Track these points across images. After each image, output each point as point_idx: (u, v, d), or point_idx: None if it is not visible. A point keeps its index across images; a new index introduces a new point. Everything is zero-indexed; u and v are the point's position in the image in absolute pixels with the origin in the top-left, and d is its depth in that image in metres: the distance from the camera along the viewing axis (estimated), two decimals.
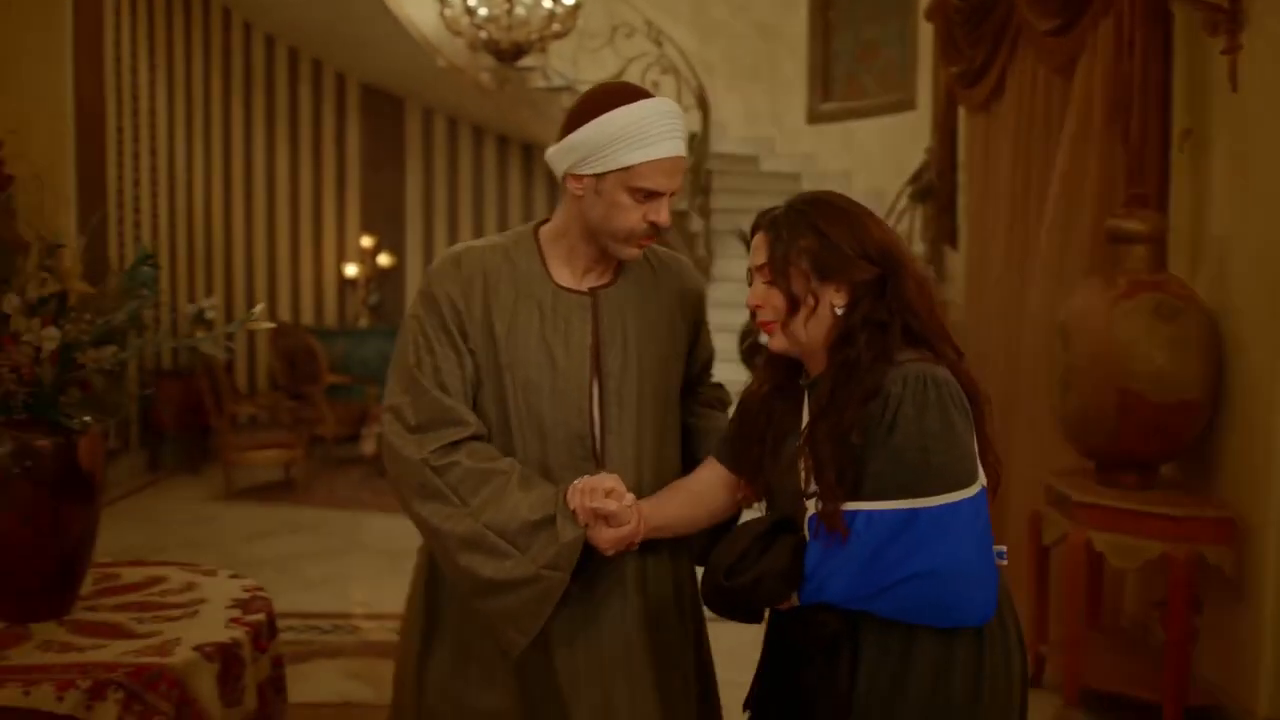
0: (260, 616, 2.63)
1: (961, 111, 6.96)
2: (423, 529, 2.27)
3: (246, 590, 2.86)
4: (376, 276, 10.84)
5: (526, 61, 8.74)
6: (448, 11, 8.42)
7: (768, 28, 10.10)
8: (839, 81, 9.79)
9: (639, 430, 2.33)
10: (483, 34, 8.39)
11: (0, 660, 2.39)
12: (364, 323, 10.74)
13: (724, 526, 2.33)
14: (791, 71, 9.93)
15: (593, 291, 2.33)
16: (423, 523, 2.25)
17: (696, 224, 8.48)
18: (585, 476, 2.22)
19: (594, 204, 2.25)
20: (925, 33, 7.87)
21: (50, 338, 2.53)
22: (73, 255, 2.61)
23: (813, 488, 2.03)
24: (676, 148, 2.24)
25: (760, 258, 2.12)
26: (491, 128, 10.64)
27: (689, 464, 2.43)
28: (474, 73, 8.96)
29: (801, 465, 2.07)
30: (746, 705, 2.28)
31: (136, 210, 8.84)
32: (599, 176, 2.23)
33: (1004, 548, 2.10)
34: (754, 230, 2.16)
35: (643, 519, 2.21)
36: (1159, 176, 4.52)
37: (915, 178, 7.40)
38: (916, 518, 1.97)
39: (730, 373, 6.48)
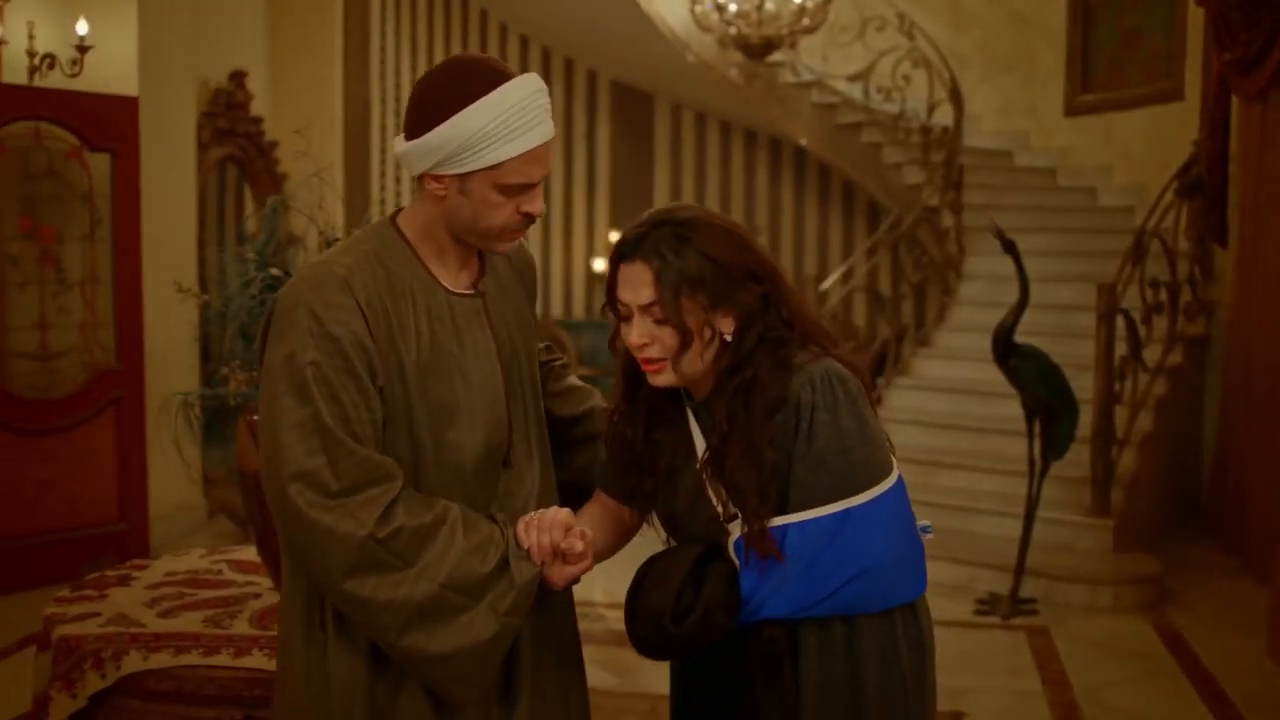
0: None
1: (1235, 101, 6.62)
2: (357, 606, 1.91)
3: None
4: None
5: (775, 57, 8.73)
6: (698, 8, 8.49)
7: (1024, 17, 9.77)
8: (1099, 71, 9.37)
9: (538, 428, 2.15)
10: (732, 30, 8.42)
11: (271, 629, 2.54)
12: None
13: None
14: (1049, 62, 9.57)
15: (478, 290, 2.10)
16: (361, 600, 1.90)
17: (948, 220, 8.30)
18: (536, 512, 2.01)
19: (460, 205, 1.99)
20: (1195, 18, 7.50)
21: None
22: None
23: (733, 510, 1.96)
24: (546, 132, 1.98)
25: (646, 295, 1.93)
26: (739, 123, 10.67)
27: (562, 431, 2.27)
28: (723, 68, 9.00)
29: (712, 492, 1.98)
30: None
31: (396, 206, 9.24)
32: (463, 176, 1.96)
33: (928, 523, 2.08)
34: (621, 258, 1.97)
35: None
36: None
37: (1182, 172, 7.05)
38: (849, 518, 1.93)
39: (987, 372, 6.31)
